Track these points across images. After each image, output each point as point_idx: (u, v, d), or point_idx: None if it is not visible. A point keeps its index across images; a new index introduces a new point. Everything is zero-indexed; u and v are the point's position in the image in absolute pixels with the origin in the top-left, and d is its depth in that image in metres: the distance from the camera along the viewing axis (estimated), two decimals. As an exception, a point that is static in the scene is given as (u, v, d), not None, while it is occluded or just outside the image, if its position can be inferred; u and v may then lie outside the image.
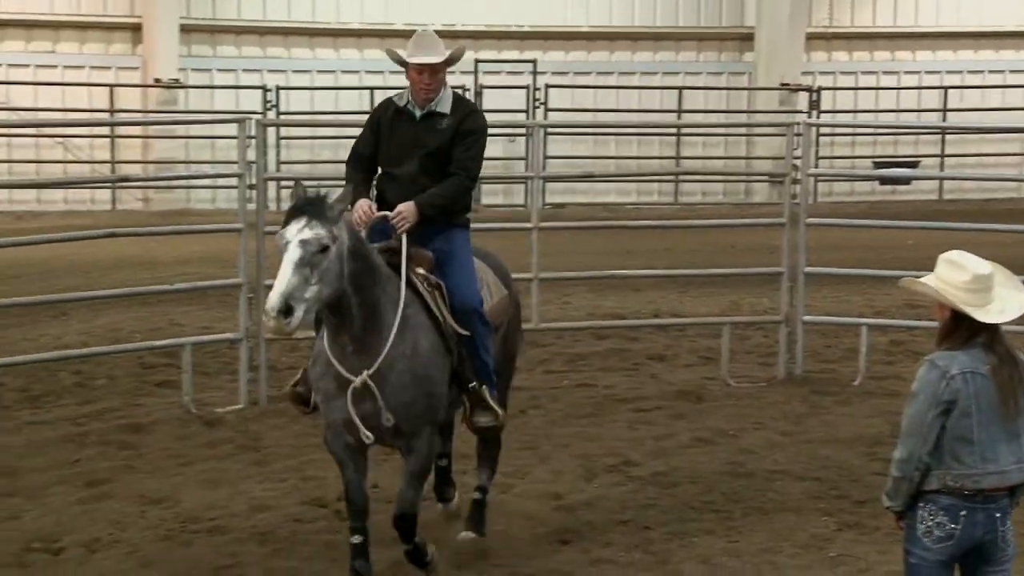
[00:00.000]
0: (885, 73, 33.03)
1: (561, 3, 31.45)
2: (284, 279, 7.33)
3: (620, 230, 20.86)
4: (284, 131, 27.03)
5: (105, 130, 28.63)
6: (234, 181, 13.71)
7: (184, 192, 25.86)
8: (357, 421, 7.99)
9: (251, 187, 13.51)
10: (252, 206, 13.35)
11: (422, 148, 8.84)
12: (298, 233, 7.46)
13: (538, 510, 10.45)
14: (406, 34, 29.35)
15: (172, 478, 10.37)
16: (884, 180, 29.66)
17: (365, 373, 7.95)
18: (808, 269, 14.54)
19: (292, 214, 7.63)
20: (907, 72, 33.05)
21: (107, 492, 10.75)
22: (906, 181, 29.61)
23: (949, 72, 32.67)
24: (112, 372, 14.41)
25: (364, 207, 8.68)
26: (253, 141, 13.34)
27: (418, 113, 8.90)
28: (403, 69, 9.01)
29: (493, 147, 29.47)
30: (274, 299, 7.27)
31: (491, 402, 8.77)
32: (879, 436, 12.45)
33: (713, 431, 12.61)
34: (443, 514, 9.98)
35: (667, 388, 14.16)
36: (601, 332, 16.10)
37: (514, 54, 31.10)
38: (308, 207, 7.61)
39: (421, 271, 8.55)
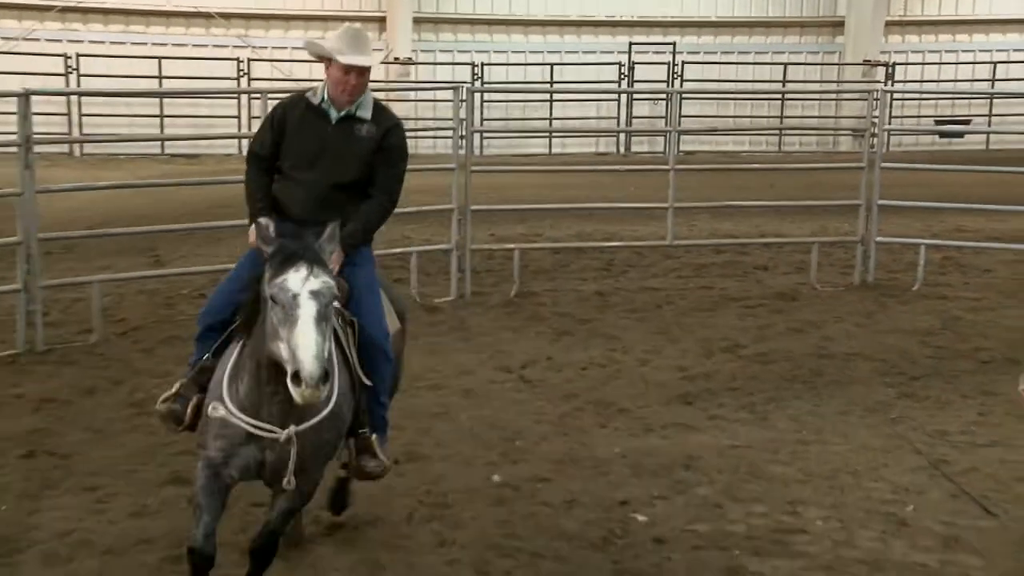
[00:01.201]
0: (947, 51, 32.21)
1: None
2: (312, 340, 4.79)
3: (736, 171, 20.59)
4: (486, 96, 26.88)
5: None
6: (450, 133, 13.66)
7: (412, 142, 25.85)
8: (290, 469, 5.33)
9: (462, 137, 13.51)
10: (462, 152, 13.35)
11: (337, 153, 6.17)
12: (305, 283, 4.92)
13: (668, 379, 10.39)
14: (579, 23, 29.35)
15: (402, 349, 10.39)
16: (943, 134, 28.86)
17: (292, 428, 5.29)
18: (880, 202, 14.23)
19: (288, 261, 5.00)
20: (964, 51, 32.16)
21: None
22: (960, 135, 28.78)
23: (998, 51, 31.74)
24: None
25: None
26: (464, 103, 13.29)
27: (334, 114, 6.23)
28: (330, 61, 6.21)
29: (641, 108, 29.43)
30: (315, 368, 4.73)
31: (378, 451, 6.15)
32: (931, 328, 12.25)
33: (803, 323, 12.43)
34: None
35: (768, 290, 13.98)
36: (719, 248, 15.93)
37: (659, 37, 30.74)
38: (305, 253, 5.06)
39: (336, 304, 5.51)
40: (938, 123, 29.27)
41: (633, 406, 9.51)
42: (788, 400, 9.80)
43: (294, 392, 4.83)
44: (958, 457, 8.51)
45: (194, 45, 27.85)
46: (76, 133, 24.75)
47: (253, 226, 5.94)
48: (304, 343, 4.80)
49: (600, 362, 10.77)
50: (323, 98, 6.26)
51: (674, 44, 30.41)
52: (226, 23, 28.26)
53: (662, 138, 27.69)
